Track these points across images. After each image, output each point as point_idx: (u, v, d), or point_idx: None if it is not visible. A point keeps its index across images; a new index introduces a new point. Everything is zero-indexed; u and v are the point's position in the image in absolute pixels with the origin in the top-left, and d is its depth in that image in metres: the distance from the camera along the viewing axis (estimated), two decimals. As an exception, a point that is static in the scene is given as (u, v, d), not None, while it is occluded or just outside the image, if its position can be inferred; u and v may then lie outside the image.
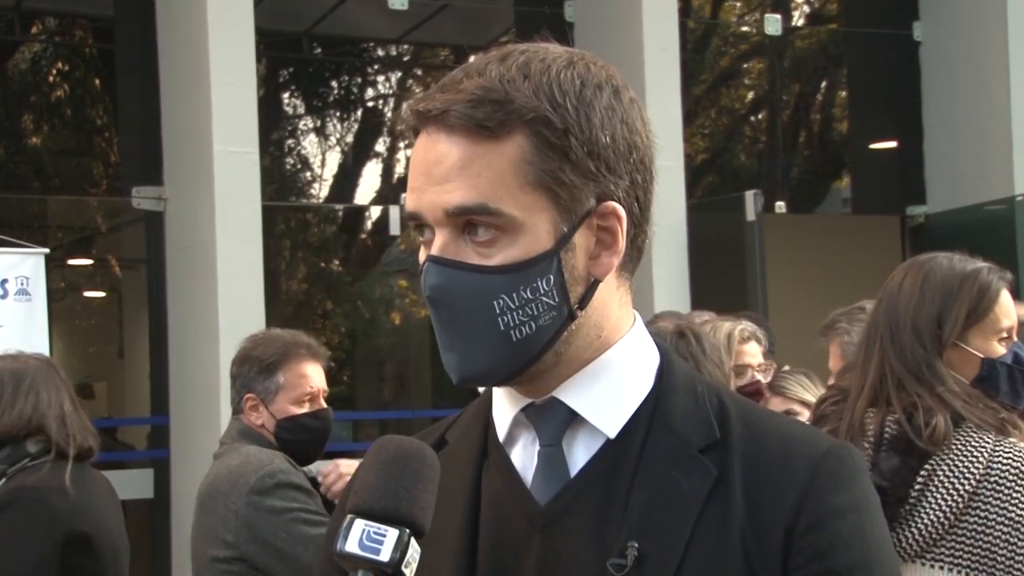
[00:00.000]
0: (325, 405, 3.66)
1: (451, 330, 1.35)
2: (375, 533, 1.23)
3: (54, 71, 9.98)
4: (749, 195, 8.56)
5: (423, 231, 1.38)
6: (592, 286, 1.39)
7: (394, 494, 1.25)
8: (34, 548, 3.36)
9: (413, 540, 1.24)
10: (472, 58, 1.41)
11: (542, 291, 1.35)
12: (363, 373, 10.88)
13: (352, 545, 1.22)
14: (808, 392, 4.09)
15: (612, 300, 1.42)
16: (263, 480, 3.37)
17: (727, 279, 8.59)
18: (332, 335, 10.56)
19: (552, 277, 1.35)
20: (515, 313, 1.34)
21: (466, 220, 1.34)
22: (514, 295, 1.34)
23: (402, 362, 10.26)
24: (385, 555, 1.22)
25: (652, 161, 1.42)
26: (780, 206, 9.80)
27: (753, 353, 4.16)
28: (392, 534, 1.23)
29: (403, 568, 1.23)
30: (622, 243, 1.39)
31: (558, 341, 1.37)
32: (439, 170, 1.34)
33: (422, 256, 1.38)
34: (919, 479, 2.47)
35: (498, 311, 1.34)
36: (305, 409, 3.59)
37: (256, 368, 3.58)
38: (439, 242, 1.35)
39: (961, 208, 9.42)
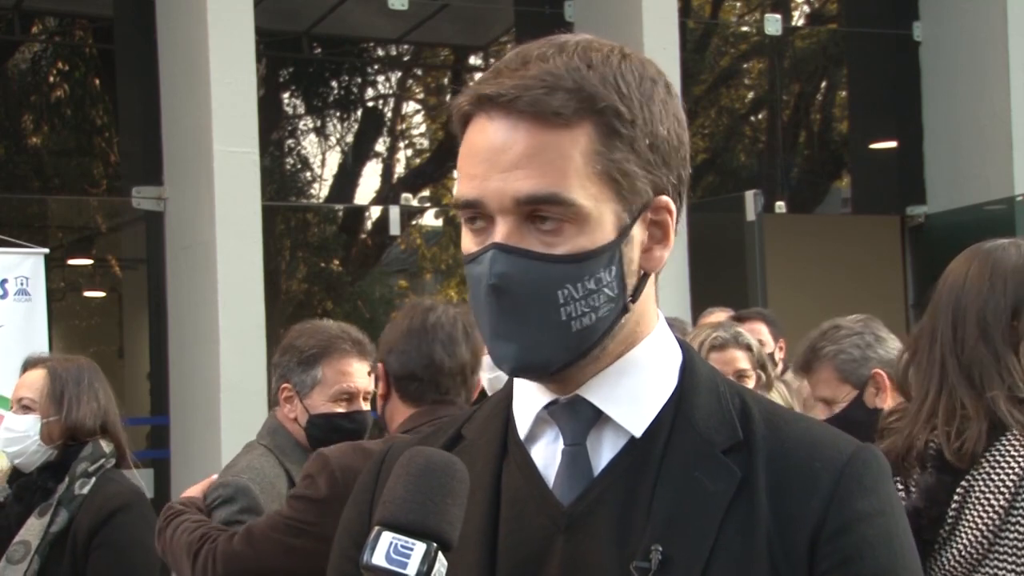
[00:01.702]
0: (365, 407, 3.40)
1: (511, 319, 1.32)
2: (402, 546, 1.21)
3: (54, 71, 9.96)
4: (749, 195, 8.56)
5: (475, 220, 1.35)
6: (643, 279, 1.38)
7: (422, 507, 1.24)
8: (153, 544, 3.42)
9: (440, 554, 1.23)
10: (510, 48, 1.38)
11: (605, 282, 1.33)
12: (363, 373, 10.83)
13: (379, 558, 1.21)
14: (785, 400, 4.06)
15: (650, 296, 1.41)
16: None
17: (727, 279, 8.59)
18: (332, 335, 10.52)
19: (615, 268, 1.34)
20: (578, 303, 1.32)
21: (532, 209, 1.31)
22: (579, 285, 1.32)
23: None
24: (412, 569, 1.20)
25: (689, 158, 1.42)
26: (780, 206, 9.81)
27: (727, 361, 4.04)
28: (419, 548, 1.21)
29: None
30: (672, 237, 1.39)
31: (611, 334, 1.36)
32: (506, 157, 1.31)
33: (469, 245, 1.36)
34: (956, 497, 2.27)
35: (562, 301, 1.32)
36: (342, 408, 3.36)
37: (296, 358, 3.36)
38: (503, 230, 1.32)
39: (961, 208, 9.41)
